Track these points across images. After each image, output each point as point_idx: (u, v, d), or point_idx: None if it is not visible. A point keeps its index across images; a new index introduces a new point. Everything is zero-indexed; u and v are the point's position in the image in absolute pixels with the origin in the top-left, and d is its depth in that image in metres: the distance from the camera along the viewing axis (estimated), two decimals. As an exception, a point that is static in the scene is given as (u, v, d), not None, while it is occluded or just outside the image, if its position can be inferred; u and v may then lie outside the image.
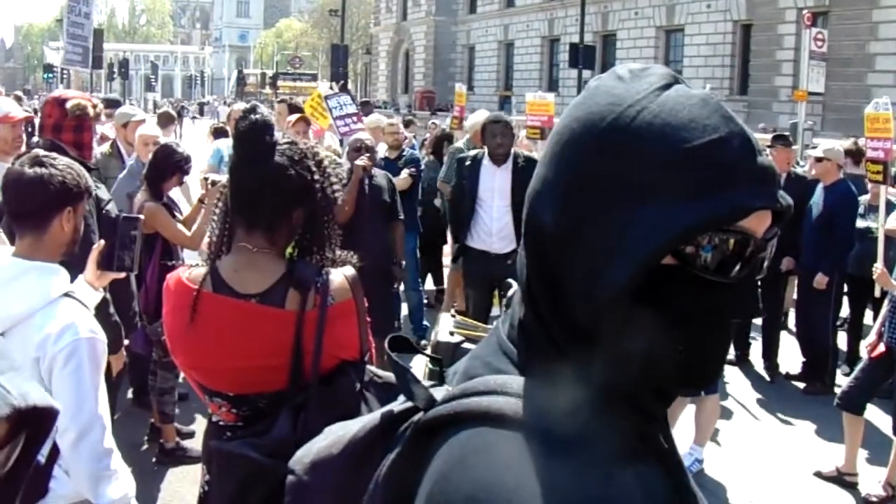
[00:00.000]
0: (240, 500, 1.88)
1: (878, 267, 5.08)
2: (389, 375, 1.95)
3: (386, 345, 0.96)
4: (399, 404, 0.93)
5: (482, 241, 5.79)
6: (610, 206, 0.75)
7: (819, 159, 6.55)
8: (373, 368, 2.03)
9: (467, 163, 5.91)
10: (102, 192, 3.93)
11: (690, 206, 0.73)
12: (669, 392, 0.85)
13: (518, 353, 0.84)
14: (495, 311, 5.85)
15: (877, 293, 5.92)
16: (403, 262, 5.93)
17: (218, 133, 8.44)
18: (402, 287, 6.34)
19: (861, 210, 6.64)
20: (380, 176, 5.70)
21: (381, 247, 5.56)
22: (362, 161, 5.40)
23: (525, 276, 0.84)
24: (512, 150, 5.77)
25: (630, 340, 0.75)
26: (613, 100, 0.78)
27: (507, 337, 0.86)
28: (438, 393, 0.86)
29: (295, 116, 7.15)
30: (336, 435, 0.99)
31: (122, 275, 2.76)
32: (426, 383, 0.90)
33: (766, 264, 0.81)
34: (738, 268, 0.77)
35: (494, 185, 5.68)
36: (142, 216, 2.81)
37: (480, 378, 0.82)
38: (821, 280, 6.34)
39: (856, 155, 7.54)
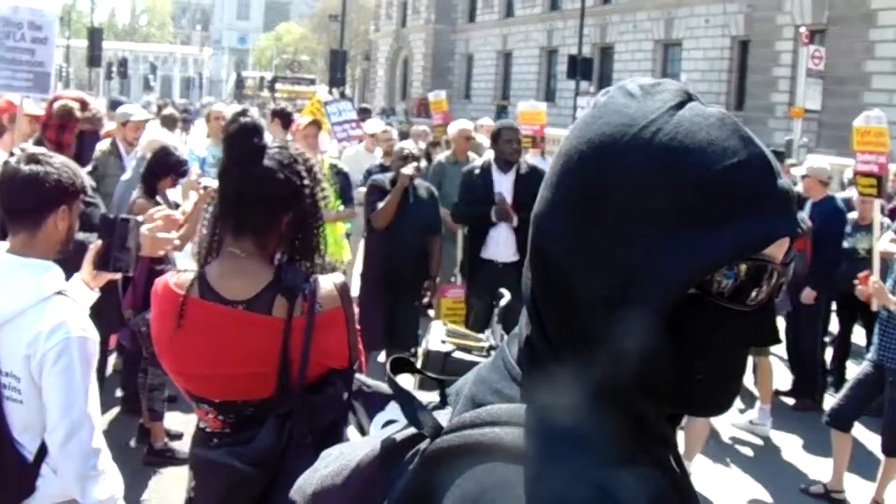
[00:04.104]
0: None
1: (875, 280, 4.98)
2: (378, 384, 1.95)
3: (387, 368, 0.94)
4: (399, 431, 0.91)
5: (490, 251, 5.74)
6: (627, 233, 0.72)
7: (803, 176, 6.60)
8: (361, 377, 2.01)
9: (476, 171, 5.84)
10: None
11: (716, 235, 0.70)
12: (681, 415, 0.84)
13: (524, 375, 0.81)
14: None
15: (874, 307, 5.90)
16: (438, 279, 5.90)
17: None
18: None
19: (848, 229, 6.59)
20: (422, 188, 5.65)
21: (417, 259, 5.55)
22: (409, 170, 5.38)
23: (531, 297, 0.81)
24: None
25: (647, 367, 0.73)
26: (626, 120, 0.74)
27: (515, 361, 0.82)
28: (443, 418, 0.84)
29: (306, 120, 7.10)
30: (337, 463, 0.96)
31: (118, 275, 2.75)
32: (418, 393, 0.89)
33: (783, 289, 0.78)
34: (755, 294, 0.74)
35: (501, 191, 5.69)
36: (140, 218, 2.80)
37: (493, 407, 0.79)
38: (808, 295, 6.34)
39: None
